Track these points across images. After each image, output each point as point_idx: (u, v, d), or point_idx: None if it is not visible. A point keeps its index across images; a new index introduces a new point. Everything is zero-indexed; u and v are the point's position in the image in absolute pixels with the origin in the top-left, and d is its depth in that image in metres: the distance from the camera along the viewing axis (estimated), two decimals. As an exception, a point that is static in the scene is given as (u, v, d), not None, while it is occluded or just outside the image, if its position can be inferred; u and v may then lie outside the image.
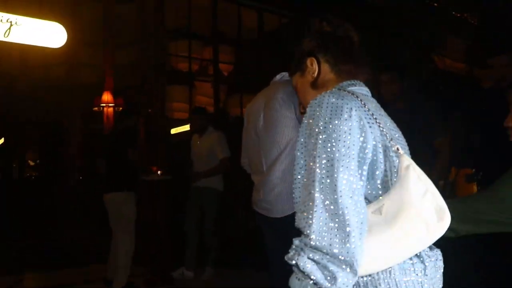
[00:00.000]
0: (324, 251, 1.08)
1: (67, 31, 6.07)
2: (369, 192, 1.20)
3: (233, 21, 7.75)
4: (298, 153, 1.24)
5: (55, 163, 7.34)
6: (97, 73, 7.03)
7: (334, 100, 1.20)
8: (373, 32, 7.50)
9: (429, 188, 1.15)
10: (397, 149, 1.21)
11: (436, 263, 1.24)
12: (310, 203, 1.12)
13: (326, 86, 1.39)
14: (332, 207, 1.10)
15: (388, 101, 3.88)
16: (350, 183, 1.12)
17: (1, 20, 5.64)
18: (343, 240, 1.07)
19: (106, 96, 6.71)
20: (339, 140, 1.14)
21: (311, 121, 1.20)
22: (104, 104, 6.75)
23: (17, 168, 8.89)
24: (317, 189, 1.12)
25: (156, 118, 6.51)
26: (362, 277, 1.17)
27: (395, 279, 1.16)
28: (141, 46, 6.93)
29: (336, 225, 1.08)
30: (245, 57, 8.06)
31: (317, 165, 1.14)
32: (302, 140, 1.22)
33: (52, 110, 7.44)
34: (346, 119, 1.16)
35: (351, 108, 1.18)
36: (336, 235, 1.08)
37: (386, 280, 1.16)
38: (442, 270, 1.28)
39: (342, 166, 1.13)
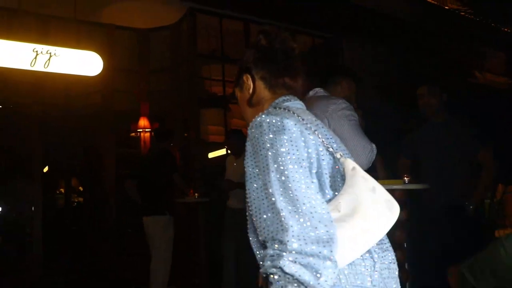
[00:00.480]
0: (304, 251, 1.12)
1: (102, 59, 6.21)
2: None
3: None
4: (249, 174, 1.32)
5: (95, 189, 7.43)
6: (132, 99, 7.15)
7: (273, 120, 1.28)
8: (411, 46, 7.41)
9: (375, 185, 1.26)
10: (340, 155, 1.32)
11: (389, 265, 1.33)
12: (278, 214, 1.17)
13: (262, 104, 1.48)
14: (298, 212, 1.16)
15: (426, 115, 3.78)
16: (307, 189, 1.19)
17: (42, 52, 5.83)
18: (318, 239, 1.13)
19: (143, 122, 6.80)
20: (288, 153, 1.22)
21: (254, 142, 1.29)
22: (140, 130, 6.83)
23: (64, 195, 9.07)
24: (280, 199, 1.18)
25: (192, 142, 6.55)
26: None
27: (344, 272, 1.24)
28: (175, 72, 7.04)
29: (309, 227, 1.14)
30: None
31: (273, 180, 1.20)
32: (249, 163, 1.32)
33: (90, 136, 7.56)
34: (290, 133, 1.25)
35: (292, 123, 1.27)
36: (310, 236, 1.13)
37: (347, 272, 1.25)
38: (397, 273, 1.35)
39: (297, 176, 1.20)
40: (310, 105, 2.28)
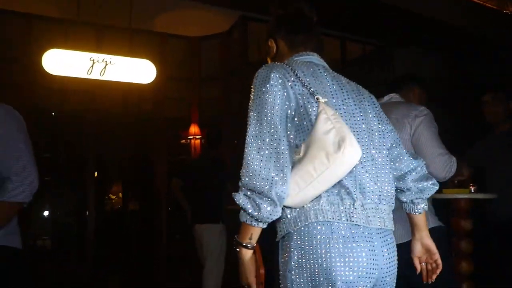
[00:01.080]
0: (252, 188, 1.38)
1: (155, 67, 6.31)
2: (299, 140, 1.46)
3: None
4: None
5: (147, 195, 7.54)
6: (183, 106, 7.22)
7: (264, 71, 1.50)
8: (470, 54, 7.22)
9: (336, 126, 1.35)
10: (317, 98, 1.45)
11: (378, 205, 1.48)
12: (245, 152, 1.42)
13: (282, 60, 1.66)
14: (260, 154, 1.40)
15: (492, 123, 3.65)
16: (274, 135, 1.41)
17: (98, 61, 5.97)
18: (266, 181, 1.36)
19: (193, 129, 6.86)
20: (266, 101, 1.44)
21: (252, 89, 1.51)
22: (191, 137, 6.89)
23: (115, 201, 9.25)
24: (249, 140, 1.43)
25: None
26: (295, 209, 1.44)
27: (322, 209, 1.41)
28: (226, 80, 7.08)
29: (263, 167, 1.38)
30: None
31: (251, 121, 1.45)
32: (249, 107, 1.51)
33: (142, 143, 7.70)
34: (271, 85, 1.45)
35: (276, 76, 1.47)
36: (260, 174, 1.37)
37: (314, 209, 1.41)
38: (386, 214, 1.52)
39: (268, 121, 1.42)
40: (388, 110, 2.25)
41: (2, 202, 2.11)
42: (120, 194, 9.30)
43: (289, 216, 1.46)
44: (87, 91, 6.44)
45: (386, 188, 1.54)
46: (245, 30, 6.79)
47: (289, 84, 1.47)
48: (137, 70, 6.21)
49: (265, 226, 1.43)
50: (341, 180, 1.41)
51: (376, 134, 1.60)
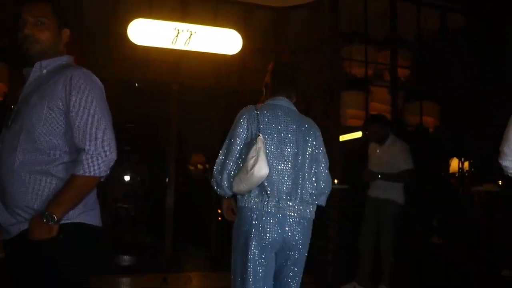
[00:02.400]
0: (214, 178, 2.60)
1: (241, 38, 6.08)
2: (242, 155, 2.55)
3: (412, 22, 7.14)
4: None
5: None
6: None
7: (242, 111, 2.61)
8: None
9: (258, 154, 2.38)
10: (258, 134, 2.47)
11: (285, 204, 2.52)
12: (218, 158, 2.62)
13: (266, 98, 2.81)
14: (221, 158, 2.58)
15: None
16: (235, 151, 2.52)
17: (182, 31, 5.81)
18: (219, 173, 2.57)
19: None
20: (234, 129, 2.55)
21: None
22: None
23: (199, 171, 9.28)
24: (221, 151, 2.60)
25: (332, 125, 6.22)
26: (238, 194, 2.57)
27: (250, 200, 2.52)
28: (314, 52, 6.71)
29: (219, 168, 2.58)
30: (425, 60, 7.39)
31: (225, 141, 2.60)
32: None
33: (224, 115, 7.54)
34: (239, 119, 2.56)
35: (243, 114, 2.57)
36: (218, 170, 2.58)
37: (247, 198, 2.52)
38: (292, 213, 2.54)
39: (232, 141, 2.54)
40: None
41: (76, 177, 1.91)
42: (199, 166, 9.30)
43: (239, 197, 2.59)
44: (171, 61, 6.31)
45: (299, 191, 2.56)
46: (337, 0, 6.41)
47: (250, 122, 2.54)
48: (223, 41, 6.00)
49: (222, 194, 2.66)
50: (263, 183, 2.47)
51: (307, 158, 2.61)
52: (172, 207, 6.26)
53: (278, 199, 2.48)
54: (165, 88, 6.47)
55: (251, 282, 2.44)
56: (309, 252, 2.65)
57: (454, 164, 7.45)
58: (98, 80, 2.05)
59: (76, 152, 1.96)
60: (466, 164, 7.21)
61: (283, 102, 2.68)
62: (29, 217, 1.90)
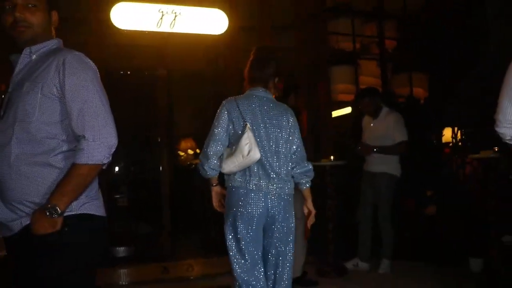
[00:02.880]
0: (201, 157, 2.95)
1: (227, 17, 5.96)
2: (231, 141, 2.90)
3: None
4: None
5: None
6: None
7: (223, 102, 2.97)
8: None
9: (250, 142, 2.76)
10: (245, 124, 2.83)
11: (265, 183, 2.87)
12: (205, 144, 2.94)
13: (246, 87, 3.10)
14: (207, 142, 2.91)
15: None
16: (219, 135, 2.87)
17: (167, 12, 5.68)
18: (205, 154, 2.90)
19: (267, 82, 6.46)
20: (217, 119, 2.91)
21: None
22: (264, 90, 6.51)
23: (189, 157, 9.19)
24: (207, 139, 2.92)
25: (322, 101, 6.16)
26: (227, 174, 2.93)
27: (235, 179, 2.89)
28: (300, 28, 6.61)
29: (208, 147, 2.89)
30: (411, 32, 7.35)
31: (211, 130, 2.93)
32: None
33: (214, 96, 7.45)
34: (221, 110, 2.92)
35: (224, 105, 2.93)
36: (205, 152, 2.91)
37: (233, 178, 2.90)
38: (271, 190, 2.88)
39: (216, 127, 2.89)
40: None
41: (78, 166, 1.82)
42: (190, 151, 9.19)
43: (226, 177, 2.96)
44: (156, 46, 6.17)
45: (279, 171, 2.90)
46: (320, -28, 6.30)
47: (231, 112, 2.89)
48: (208, 21, 5.88)
49: (208, 177, 2.99)
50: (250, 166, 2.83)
51: (283, 141, 2.94)
52: (168, 195, 6.18)
53: (259, 177, 2.84)
54: (151, 73, 6.35)
55: (245, 253, 2.82)
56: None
57: (448, 134, 7.45)
58: (91, 62, 1.96)
59: (74, 140, 1.87)
60: (459, 133, 7.21)
61: (260, 92, 2.99)
62: (30, 211, 1.83)
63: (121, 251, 6.04)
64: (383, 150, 5.02)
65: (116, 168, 7.71)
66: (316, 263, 5.29)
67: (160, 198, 6.20)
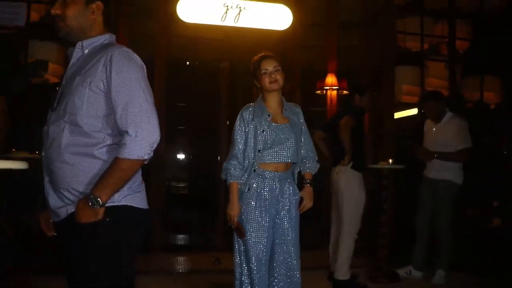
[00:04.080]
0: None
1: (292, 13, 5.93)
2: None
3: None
4: None
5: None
6: (319, 55, 6.74)
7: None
8: None
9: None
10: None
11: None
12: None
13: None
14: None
15: None
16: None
17: (231, 7, 5.73)
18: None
19: (330, 79, 6.37)
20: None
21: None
22: (327, 87, 6.43)
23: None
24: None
25: (385, 102, 6.02)
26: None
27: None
28: (367, 26, 6.48)
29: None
30: (485, 32, 7.00)
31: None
32: None
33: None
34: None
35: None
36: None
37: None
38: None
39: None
40: None
41: (120, 160, 1.85)
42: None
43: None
44: (220, 39, 6.24)
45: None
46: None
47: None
48: (272, 16, 5.89)
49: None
50: None
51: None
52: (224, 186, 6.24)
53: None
54: (215, 66, 6.43)
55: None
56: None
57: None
58: (139, 58, 1.99)
59: (119, 134, 1.92)
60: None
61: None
62: (76, 199, 1.89)
63: (175, 238, 6.19)
64: (444, 156, 4.83)
65: (178, 157, 7.91)
66: (368, 266, 5.19)
67: (217, 189, 6.29)
